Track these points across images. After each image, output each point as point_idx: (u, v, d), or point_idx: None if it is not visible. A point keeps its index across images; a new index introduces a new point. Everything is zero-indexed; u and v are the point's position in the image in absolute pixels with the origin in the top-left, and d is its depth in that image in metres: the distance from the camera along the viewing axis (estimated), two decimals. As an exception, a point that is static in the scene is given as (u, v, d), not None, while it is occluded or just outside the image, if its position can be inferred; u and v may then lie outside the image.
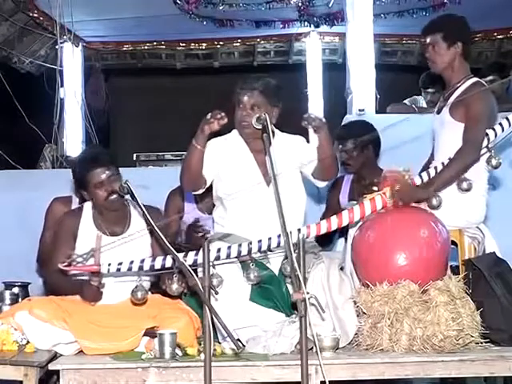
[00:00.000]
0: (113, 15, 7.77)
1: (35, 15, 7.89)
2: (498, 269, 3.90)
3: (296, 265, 3.25)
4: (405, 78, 8.81)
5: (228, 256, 3.77)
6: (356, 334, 3.81)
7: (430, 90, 6.40)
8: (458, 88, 4.21)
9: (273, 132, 3.99)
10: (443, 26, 4.27)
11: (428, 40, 4.26)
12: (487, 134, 4.09)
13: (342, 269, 4.03)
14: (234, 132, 4.18)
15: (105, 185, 3.95)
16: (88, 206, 4.09)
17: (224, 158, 4.09)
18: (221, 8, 7.74)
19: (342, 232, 4.44)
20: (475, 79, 4.24)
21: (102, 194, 3.96)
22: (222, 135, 4.32)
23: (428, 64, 4.35)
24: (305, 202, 4.16)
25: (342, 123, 5.66)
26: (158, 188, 5.10)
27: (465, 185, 4.03)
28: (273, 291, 3.86)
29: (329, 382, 3.35)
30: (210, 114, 3.83)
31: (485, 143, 4.09)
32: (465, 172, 4.05)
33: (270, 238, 3.80)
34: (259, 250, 3.83)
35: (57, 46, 7.71)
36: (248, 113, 4.01)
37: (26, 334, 3.72)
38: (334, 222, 3.92)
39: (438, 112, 4.31)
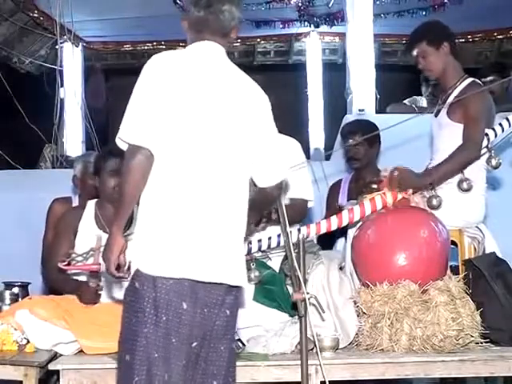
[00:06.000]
0: (113, 15, 7.77)
1: (35, 15, 7.89)
2: (498, 269, 3.90)
3: (296, 265, 3.25)
4: (405, 78, 8.81)
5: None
6: (356, 333, 3.81)
7: (431, 81, 6.37)
8: (454, 90, 4.20)
9: None
10: (424, 33, 4.26)
11: (415, 52, 4.24)
12: (487, 134, 4.09)
13: (341, 269, 4.03)
14: None
15: (117, 174, 3.98)
16: (91, 204, 4.12)
17: None
18: (221, 8, 7.73)
19: (342, 232, 4.44)
20: (471, 79, 4.23)
21: (111, 182, 4.03)
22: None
23: (425, 74, 4.36)
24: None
25: (342, 123, 5.67)
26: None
27: (465, 185, 4.03)
28: (276, 291, 3.86)
29: (329, 382, 3.35)
30: None
31: (485, 143, 4.09)
32: (463, 169, 4.04)
33: (269, 238, 3.80)
34: (259, 250, 3.83)
35: (57, 46, 7.72)
36: None
37: (26, 333, 3.72)
38: (334, 222, 3.93)
39: (436, 115, 4.30)
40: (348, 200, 4.81)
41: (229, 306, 2.79)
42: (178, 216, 2.71)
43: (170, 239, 2.71)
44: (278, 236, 3.76)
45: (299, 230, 3.76)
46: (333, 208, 4.84)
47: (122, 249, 2.72)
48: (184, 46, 2.97)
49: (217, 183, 2.77)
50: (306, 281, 3.40)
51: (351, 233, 4.05)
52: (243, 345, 3.68)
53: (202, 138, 2.77)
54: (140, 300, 2.70)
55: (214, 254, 2.73)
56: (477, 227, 4.19)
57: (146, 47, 9.00)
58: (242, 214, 2.83)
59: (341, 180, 5.11)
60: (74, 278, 3.98)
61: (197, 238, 2.72)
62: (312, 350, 3.43)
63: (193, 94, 2.79)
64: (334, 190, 5.07)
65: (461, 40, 7.77)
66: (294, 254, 3.28)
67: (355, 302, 3.83)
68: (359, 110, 6.13)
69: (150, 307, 2.69)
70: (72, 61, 8.16)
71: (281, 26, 8.51)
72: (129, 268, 2.75)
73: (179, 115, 2.76)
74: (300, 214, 4.06)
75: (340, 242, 4.74)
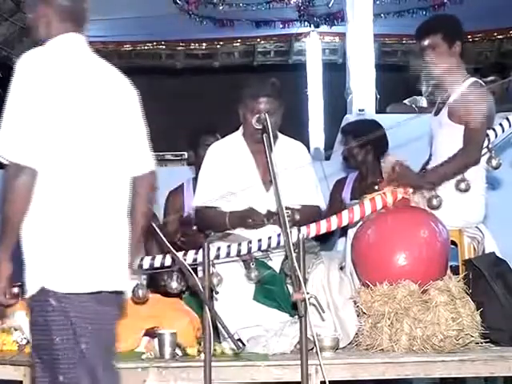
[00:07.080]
0: (113, 15, 7.78)
1: (35, 15, 7.88)
2: (498, 269, 3.90)
3: (296, 265, 3.25)
4: (405, 78, 8.80)
5: (228, 255, 3.77)
6: (356, 333, 3.81)
7: (431, 82, 6.36)
8: (456, 89, 4.19)
9: (276, 135, 3.97)
10: (441, 27, 4.21)
11: (427, 43, 4.18)
12: (487, 135, 4.09)
13: (341, 269, 4.03)
14: (237, 133, 4.17)
15: None
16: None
17: (224, 160, 4.07)
18: (221, 8, 7.76)
19: (342, 232, 4.44)
20: (473, 79, 4.21)
21: None
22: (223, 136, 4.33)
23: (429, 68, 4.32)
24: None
25: (342, 123, 5.68)
26: (157, 188, 5.08)
27: (463, 185, 4.02)
28: (276, 291, 3.86)
29: (329, 382, 3.35)
30: None
31: (485, 144, 4.09)
32: (463, 171, 4.03)
33: (269, 238, 3.80)
34: (259, 249, 3.83)
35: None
36: None
37: (26, 333, 3.72)
38: (334, 222, 3.93)
39: (436, 113, 4.28)
40: (351, 198, 4.82)
41: (118, 306, 2.74)
42: (73, 229, 2.59)
43: (72, 254, 2.59)
44: (278, 236, 3.76)
45: (299, 229, 3.75)
46: (336, 202, 4.86)
47: (10, 276, 2.62)
48: (184, 46, 2.96)
49: (104, 188, 2.66)
50: (306, 281, 3.40)
51: (351, 233, 4.05)
52: (243, 345, 3.67)
53: (81, 141, 2.62)
54: (57, 318, 2.59)
55: (113, 263, 2.67)
56: (476, 227, 4.19)
57: (146, 47, 9.00)
58: (125, 217, 2.74)
59: (346, 177, 5.12)
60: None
61: (96, 249, 2.62)
62: (312, 349, 3.43)
63: (68, 97, 2.62)
64: (339, 185, 5.09)
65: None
66: (294, 254, 3.28)
67: (355, 302, 3.83)
68: (359, 110, 6.14)
69: (68, 323, 2.59)
70: (72, 61, 8.15)
71: (281, 25, 8.52)
72: (17, 295, 2.67)
73: (58, 122, 2.59)
74: (309, 220, 4.02)
75: (340, 242, 4.74)
